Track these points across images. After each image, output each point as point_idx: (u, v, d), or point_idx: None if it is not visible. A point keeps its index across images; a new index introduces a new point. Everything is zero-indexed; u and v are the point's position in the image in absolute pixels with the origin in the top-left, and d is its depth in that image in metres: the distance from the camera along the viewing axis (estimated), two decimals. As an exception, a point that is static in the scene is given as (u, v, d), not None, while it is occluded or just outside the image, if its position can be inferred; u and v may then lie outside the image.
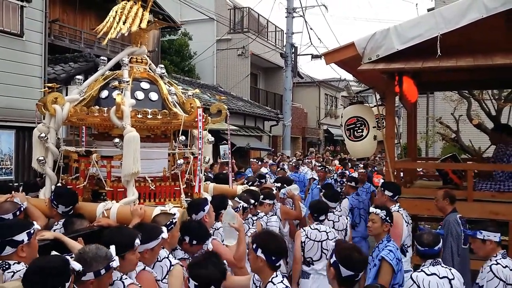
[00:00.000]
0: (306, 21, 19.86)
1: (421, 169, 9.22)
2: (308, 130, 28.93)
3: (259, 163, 10.35)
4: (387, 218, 4.13)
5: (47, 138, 4.13)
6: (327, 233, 4.82)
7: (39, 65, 9.55)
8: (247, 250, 3.61)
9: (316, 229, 4.83)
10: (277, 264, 2.94)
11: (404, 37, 5.65)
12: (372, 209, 4.27)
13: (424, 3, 29.00)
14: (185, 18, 21.28)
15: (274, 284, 2.87)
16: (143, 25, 4.38)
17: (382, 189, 5.20)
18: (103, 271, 2.48)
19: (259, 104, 22.50)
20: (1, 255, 2.67)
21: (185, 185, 4.40)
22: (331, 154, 22.70)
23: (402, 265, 4.04)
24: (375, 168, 10.74)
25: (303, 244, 4.76)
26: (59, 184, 4.21)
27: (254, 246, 2.96)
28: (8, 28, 8.95)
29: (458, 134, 12.43)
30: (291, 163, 11.49)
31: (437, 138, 15.84)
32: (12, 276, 2.61)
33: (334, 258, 2.75)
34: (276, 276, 2.91)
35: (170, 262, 3.17)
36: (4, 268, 2.63)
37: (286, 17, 19.66)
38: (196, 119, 4.28)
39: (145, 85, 4.39)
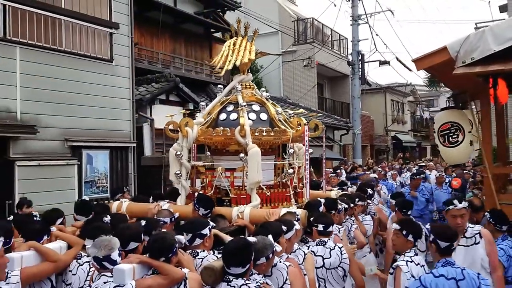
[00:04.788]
0: (371, 28, 19.69)
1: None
2: (376, 137, 28.40)
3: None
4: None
5: (182, 155, 4.84)
6: None
7: (128, 87, 10.06)
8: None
9: None
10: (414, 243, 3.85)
11: (502, 38, 5.47)
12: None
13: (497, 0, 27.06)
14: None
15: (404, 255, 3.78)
16: (252, 56, 5.02)
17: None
18: (270, 255, 3.12)
19: (328, 114, 22.41)
20: (192, 245, 3.51)
21: (293, 192, 4.92)
22: (403, 161, 22.18)
23: None
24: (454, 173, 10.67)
25: None
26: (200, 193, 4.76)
27: (404, 232, 3.81)
28: (100, 54, 9.51)
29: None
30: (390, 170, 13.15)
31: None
32: (202, 261, 3.44)
33: (432, 237, 3.46)
34: (409, 251, 3.79)
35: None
36: (194, 255, 3.48)
37: (351, 25, 19.59)
38: (302, 135, 4.98)
39: (255, 107, 5.09)
